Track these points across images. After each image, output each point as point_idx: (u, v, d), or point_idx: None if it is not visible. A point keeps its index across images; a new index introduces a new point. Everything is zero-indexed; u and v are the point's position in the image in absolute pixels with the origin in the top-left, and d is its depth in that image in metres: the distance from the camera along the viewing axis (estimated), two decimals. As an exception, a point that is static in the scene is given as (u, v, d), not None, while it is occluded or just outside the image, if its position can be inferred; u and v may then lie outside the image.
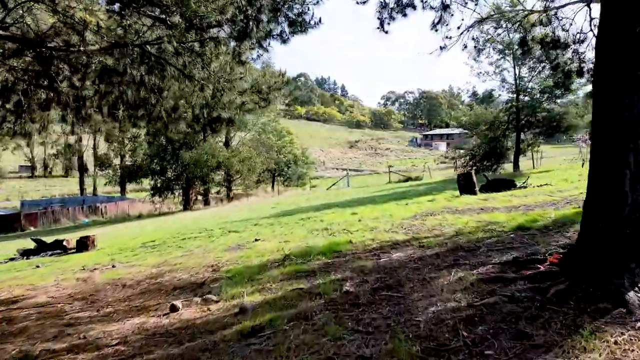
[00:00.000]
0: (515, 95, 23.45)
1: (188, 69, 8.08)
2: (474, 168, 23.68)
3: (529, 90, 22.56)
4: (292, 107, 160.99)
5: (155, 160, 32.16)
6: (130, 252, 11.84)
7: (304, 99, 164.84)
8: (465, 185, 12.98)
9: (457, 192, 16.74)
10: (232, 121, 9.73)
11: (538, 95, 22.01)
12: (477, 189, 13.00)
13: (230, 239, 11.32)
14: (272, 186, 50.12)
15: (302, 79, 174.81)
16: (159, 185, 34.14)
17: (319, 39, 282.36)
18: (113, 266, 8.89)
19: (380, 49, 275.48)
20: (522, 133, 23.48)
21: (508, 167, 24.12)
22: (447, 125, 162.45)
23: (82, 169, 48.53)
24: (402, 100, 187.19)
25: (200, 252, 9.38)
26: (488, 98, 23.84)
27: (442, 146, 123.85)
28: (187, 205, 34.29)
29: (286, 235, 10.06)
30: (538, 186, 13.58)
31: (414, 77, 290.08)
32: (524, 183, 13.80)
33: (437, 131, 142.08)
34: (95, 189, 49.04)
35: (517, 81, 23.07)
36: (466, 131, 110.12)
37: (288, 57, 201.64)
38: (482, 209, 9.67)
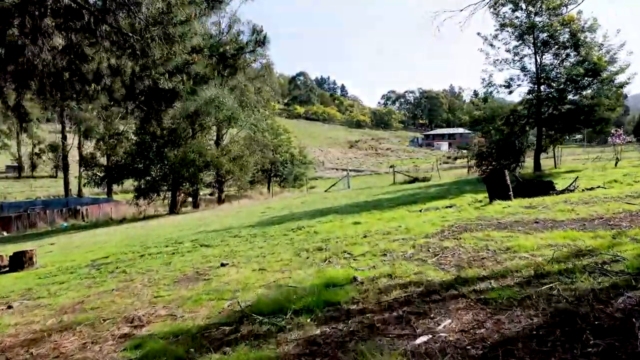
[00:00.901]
0: (536, 86, 20.70)
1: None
2: (490, 168, 20.94)
3: (553, 79, 19.79)
4: (291, 106, 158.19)
5: (137, 159, 29.40)
6: (69, 274, 9.12)
7: (303, 99, 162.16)
8: (496, 187, 10.25)
9: (478, 195, 14.04)
10: (177, 94, 6.99)
11: (563, 85, 19.26)
12: (511, 192, 10.27)
13: (194, 259, 8.59)
14: (268, 187, 47.41)
15: (302, 78, 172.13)
16: (143, 186, 31.37)
17: (319, 38, 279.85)
18: (9, 307, 6.14)
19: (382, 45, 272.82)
20: (543, 128, 20.77)
21: (526, 166, 21.41)
22: (449, 125, 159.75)
23: (67, 169, 45.75)
24: (402, 100, 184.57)
25: (140, 284, 6.64)
26: (506, 88, 21.10)
27: (444, 146, 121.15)
28: (173, 209, 31.53)
29: (265, 257, 7.35)
30: (587, 189, 10.87)
31: (414, 76, 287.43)
32: (571, 185, 11.05)
33: (439, 131, 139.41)
34: (80, 190, 46.28)
35: (539, 69, 20.34)
36: (469, 131, 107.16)
37: (288, 56, 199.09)
38: (537, 222, 6.94)
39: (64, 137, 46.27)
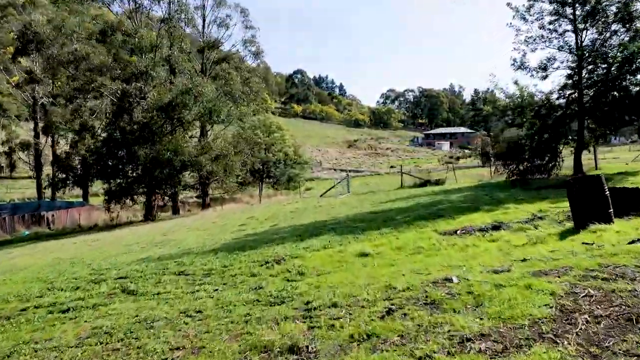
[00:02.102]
0: (576, 70, 16.96)
1: None
2: (519, 169, 17.23)
3: (602, 59, 16.01)
4: (288, 105, 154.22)
5: (106, 159, 25.56)
6: None
7: (301, 97, 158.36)
8: (587, 202, 6.47)
9: (530, 207, 10.31)
10: None
11: (616, 67, 15.47)
12: (611, 209, 6.49)
13: (77, 331, 4.81)
14: (260, 190, 43.61)
15: (299, 76, 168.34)
16: (114, 189, 27.52)
17: (317, 38, 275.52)
18: None
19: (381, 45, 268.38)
20: (586, 120, 17.01)
21: (564, 166, 17.68)
22: (449, 124, 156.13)
23: (40, 169, 41.77)
24: (402, 99, 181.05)
25: None
26: (542, 71, 17.29)
27: (446, 146, 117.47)
28: (148, 215, 27.70)
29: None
30: None
31: (414, 75, 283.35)
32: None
33: (440, 130, 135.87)
34: (53, 193, 42.34)
35: (581, 49, 16.60)
36: (470, 130, 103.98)
37: (286, 55, 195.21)
38: None
39: (37, 135, 42.31)
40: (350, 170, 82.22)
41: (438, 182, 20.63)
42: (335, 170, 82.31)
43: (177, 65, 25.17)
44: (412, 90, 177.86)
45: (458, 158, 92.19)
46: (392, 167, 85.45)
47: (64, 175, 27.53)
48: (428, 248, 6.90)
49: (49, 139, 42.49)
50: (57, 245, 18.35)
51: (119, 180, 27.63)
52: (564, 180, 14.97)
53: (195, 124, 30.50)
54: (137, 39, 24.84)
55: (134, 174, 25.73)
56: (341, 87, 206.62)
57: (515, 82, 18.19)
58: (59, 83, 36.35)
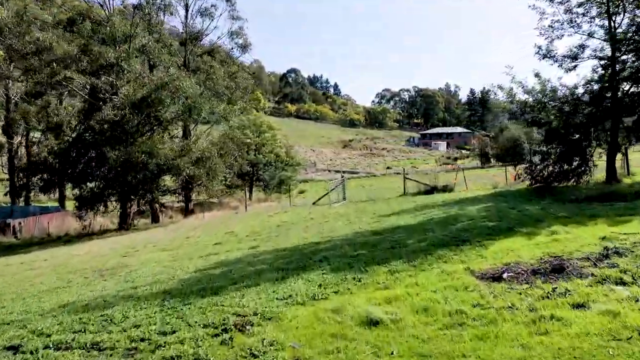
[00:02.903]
0: (609, 60, 14.56)
1: None
2: (543, 174, 14.81)
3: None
4: (281, 104, 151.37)
5: (73, 161, 22.85)
6: None
7: (295, 97, 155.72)
8: None
9: (585, 229, 7.88)
10: None
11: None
12: None
13: None
14: (250, 194, 40.98)
15: (293, 75, 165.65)
16: (85, 194, 24.82)
17: (313, 37, 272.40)
18: None
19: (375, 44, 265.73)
20: (622, 117, 14.60)
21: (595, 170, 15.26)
22: (445, 124, 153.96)
23: (13, 172, 38.85)
24: (397, 99, 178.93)
25: None
26: (572, 61, 14.86)
27: (442, 146, 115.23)
28: (123, 223, 25.02)
29: None
30: None
31: (409, 75, 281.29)
32: None
33: (436, 130, 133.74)
34: (27, 197, 39.46)
35: (615, 36, 14.21)
36: (467, 130, 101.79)
37: (280, 55, 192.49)
38: None
39: (10, 137, 39.41)
40: (345, 171, 79.62)
41: (446, 189, 18.16)
42: (329, 171, 79.72)
43: (154, 57, 22.51)
44: (407, 90, 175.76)
45: (456, 159, 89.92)
46: (388, 168, 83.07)
47: (25, 180, 24.78)
48: (474, 316, 4.38)
49: (22, 139, 39.62)
50: (10, 261, 15.70)
51: (91, 185, 24.96)
52: (603, 190, 12.56)
53: (178, 124, 27.84)
54: (109, 28, 22.16)
55: (104, 178, 23.05)
56: (336, 86, 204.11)
57: (537, 75, 15.73)
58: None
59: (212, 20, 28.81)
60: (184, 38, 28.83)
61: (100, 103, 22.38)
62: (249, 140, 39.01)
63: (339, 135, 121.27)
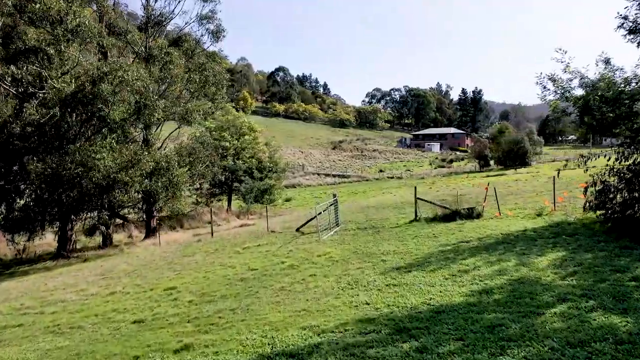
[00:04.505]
0: None
1: None
2: (616, 202, 10.40)
3: None
4: (269, 103, 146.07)
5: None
6: None
7: (283, 96, 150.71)
8: None
9: None
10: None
11: None
12: None
13: None
14: (229, 205, 36.17)
15: (281, 73, 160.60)
16: (12, 215, 19.84)
17: (302, 37, 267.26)
18: None
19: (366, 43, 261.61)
20: None
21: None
22: (437, 125, 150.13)
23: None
24: (388, 98, 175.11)
25: None
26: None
27: (436, 147, 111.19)
28: (62, 249, 20.08)
29: None
30: None
31: (400, 75, 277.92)
32: None
33: (429, 131, 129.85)
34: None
35: None
36: (461, 131, 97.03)
37: (270, 55, 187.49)
38: None
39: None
40: (336, 175, 74.92)
41: (472, 214, 13.64)
42: (319, 174, 74.96)
43: (88, 38, 17.53)
44: (398, 90, 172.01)
45: (451, 161, 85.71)
46: (381, 171, 78.53)
47: None
48: None
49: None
50: None
51: (20, 203, 20.01)
52: None
53: (138, 126, 22.91)
54: (37, 4, 17.24)
55: (33, 196, 18.15)
56: (325, 86, 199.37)
57: (607, 61, 11.30)
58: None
59: (179, 1, 23.96)
60: (143, 23, 23.92)
61: (21, 99, 17.46)
62: (226, 144, 34.27)
63: (328, 136, 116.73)
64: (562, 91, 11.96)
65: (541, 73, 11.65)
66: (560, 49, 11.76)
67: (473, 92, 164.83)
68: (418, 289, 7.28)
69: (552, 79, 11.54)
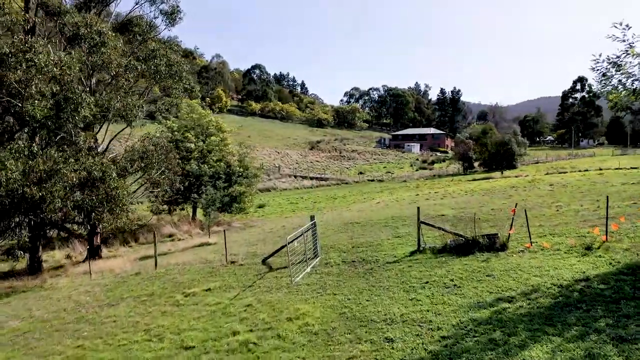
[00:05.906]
0: None
1: None
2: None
3: None
4: (245, 102, 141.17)
5: None
6: None
7: (259, 94, 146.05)
8: None
9: None
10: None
11: None
12: None
13: None
14: (194, 214, 32.16)
15: (257, 71, 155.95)
16: None
17: (279, 36, 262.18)
18: None
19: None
20: None
21: None
22: (415, 125, 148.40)
23: None
24: (366, 98, 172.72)
25: None
26: None
27: (416, 148, 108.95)
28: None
29: None
30: None
31: (378, 75, 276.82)
32: None
33: (408, 131, 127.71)
34: None
35: None
36: (441, 132, 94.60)
37: (246, 54, 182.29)
38: None
39: None
40: (313, 177, 71.26)
41: (495, 243, 10.34)
42: (295, 177, 71.20)
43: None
44: (377, 89, 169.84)
45: (433, 162, 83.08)
46: (360, 173, 75.28)
47: None
48: None
49: None
50: None
51: None
52: None
53: (72, 125, 18.73)
54: None
55: None
56: (303, 85, 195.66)
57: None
58: None
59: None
60: (82, 2, 19.79)
61: None
62: (190, 145, 30.27)
63: (306, 136, 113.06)
64: (632, 80, 8.71)
65: (600, 55, 8.37)
66: (620, 24, 8.53)
67: (452, 92, 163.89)
68: None
69: (616, 64, 8.30)
